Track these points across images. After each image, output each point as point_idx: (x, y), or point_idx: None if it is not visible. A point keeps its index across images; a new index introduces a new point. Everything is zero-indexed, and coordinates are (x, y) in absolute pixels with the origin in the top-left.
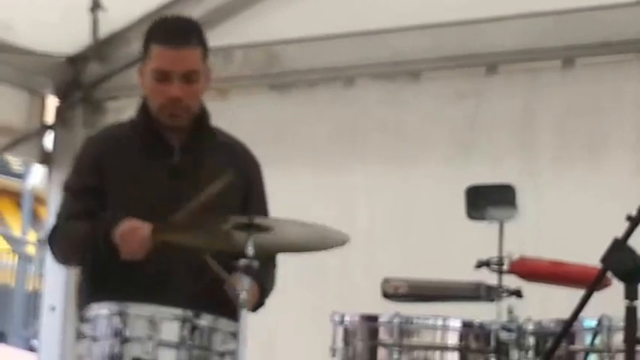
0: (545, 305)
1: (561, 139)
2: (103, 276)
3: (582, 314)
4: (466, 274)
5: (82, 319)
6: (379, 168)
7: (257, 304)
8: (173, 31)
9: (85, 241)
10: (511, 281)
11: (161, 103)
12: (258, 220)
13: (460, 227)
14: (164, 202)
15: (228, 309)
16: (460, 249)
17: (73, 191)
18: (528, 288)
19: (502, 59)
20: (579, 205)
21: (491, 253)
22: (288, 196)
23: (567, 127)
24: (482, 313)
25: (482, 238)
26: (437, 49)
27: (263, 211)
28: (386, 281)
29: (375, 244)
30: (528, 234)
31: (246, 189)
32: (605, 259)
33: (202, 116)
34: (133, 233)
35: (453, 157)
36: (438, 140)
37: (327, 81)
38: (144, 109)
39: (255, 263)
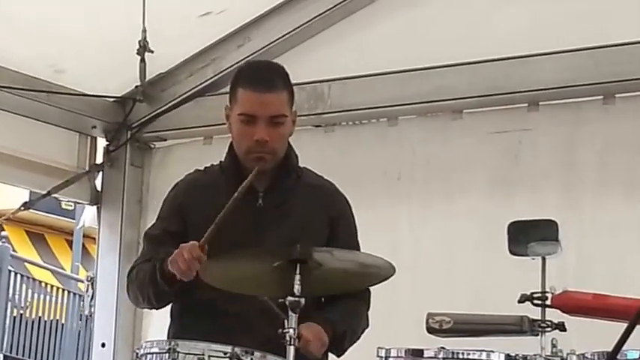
0: (588, 339)
1: (603, 175)
2: (187, 319)
3: (625, 347)
4: (509, 308)
5: (135, 356)
6: (423, 204)
7: (336, 347)
8: (259, 76)
9: (147, 278)
10: (554, 316)
11: (248, 146)
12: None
13: (503, 263)
14: (248, 244)
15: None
16: (503, 284)
17: (150, 237)
18: (572, 322)
19: (543, 95)
20: (621, 240)
21: (534, 288)
22: None
23: (609, 162)
24: (525, 347)
25: (524, 273)
26: (478, 86)
27: (353, 249)
28: (430, 316)
29: (419, 280)
30: (571, 269)
31: (331, 228)
32: None
33: (288, 158)
34: (180, 252)
35: (495, 193)
36: (481, 176)
37: (371, 119)
38: (231, 153)
39: (302, 301)
